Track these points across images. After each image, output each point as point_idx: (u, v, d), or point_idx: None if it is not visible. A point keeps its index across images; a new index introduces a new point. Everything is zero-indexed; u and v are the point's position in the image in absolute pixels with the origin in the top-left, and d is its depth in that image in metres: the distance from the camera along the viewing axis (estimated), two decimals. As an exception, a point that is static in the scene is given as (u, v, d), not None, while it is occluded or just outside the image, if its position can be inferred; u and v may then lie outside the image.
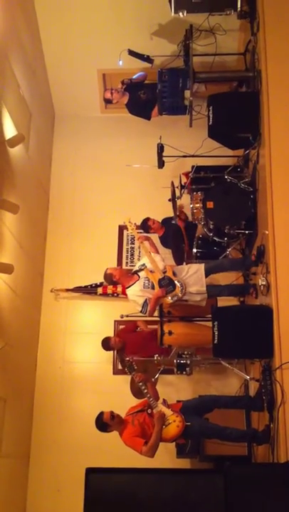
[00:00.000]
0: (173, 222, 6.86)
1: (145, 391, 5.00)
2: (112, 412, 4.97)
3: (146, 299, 5.70)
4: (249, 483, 3.82)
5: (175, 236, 6.66)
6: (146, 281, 5.73)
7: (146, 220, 6.86)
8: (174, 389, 6.60)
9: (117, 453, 5.08)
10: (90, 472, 3.91)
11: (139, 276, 5.81)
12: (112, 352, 7.25)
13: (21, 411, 6.81)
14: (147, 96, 7.03)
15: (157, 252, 5.99)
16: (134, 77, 7.18)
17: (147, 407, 5.04)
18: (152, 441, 4.76)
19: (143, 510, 3.76)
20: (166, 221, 7.05)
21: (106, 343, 6.58)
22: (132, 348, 6.57)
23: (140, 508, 3.77)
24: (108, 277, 5.92)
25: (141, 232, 6.46)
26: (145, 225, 6.85)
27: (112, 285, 6.99)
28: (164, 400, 5.14)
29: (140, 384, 5.02)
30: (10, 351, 6.09)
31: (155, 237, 6.87)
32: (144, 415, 4.99)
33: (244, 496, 3.73)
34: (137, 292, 5.77)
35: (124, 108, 7.31)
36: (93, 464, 4.00)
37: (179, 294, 5.62)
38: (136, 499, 3.81)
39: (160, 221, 7.05)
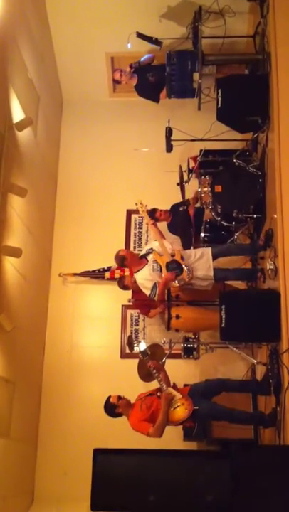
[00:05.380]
0: (180, 209, 6.83)
1: (156, 374, 5.01)
2: (119, 395, 5.00)
3: (155, 283, 5.71)
4: (255, 465, 3.83)
5: (183, 222, 6.64)
6: (155, 265, 5.73)
7: (153, 212, 6.80)
8: (181, 373, 6.60)
9: (124, 437, 5.09)
10: (98, 453, 3.94)
11: (147, 260, 5.81)
12: (119, 336, 7.29)
13: (30, 394, 6.86)
14: (156, 78, 6.97)
15: (164, 238, 5.99)
16: (141, 59, 7.11)
17: (157, 390, 5.06)
18: (159, 421, 4.79)
19: (150, 492, 3.78)
20: (174, 208, 7.03)
21: (121, 282, 6.41)
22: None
23: (147, 489, 3.79)
24: (120, 259, 5.90)
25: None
26: (153, 217, 6.75)
27: (120, 269, 7.01)
28: (173, 383, 5.16)
29: (154, 372, 5.03)
30: (18, 335, 6.12)
31: (163, 225, 6.87)
32: (153, 399, 5.00)
33: (250, 478, 3.74)
34: (146, 276, 5.77)
35: (133, 92, 7.26)
36: (101, 446, 4.03)
37: (186, 279, 5.62)
38: (143, 480, 3.83)
39: (169, 207, 7.04)
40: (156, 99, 7.18)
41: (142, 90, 7.17)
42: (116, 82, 7.30)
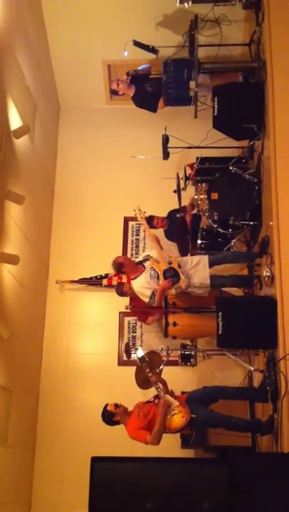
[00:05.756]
0: (178, 215, 6.85)
1: (154, 381, 5.00)
2: (116, 403, 4.99)
3: (153, 290, 5.72)
4: (252, 472, 3.82)
5: (180, 229, 6.66)
6: (153, 272, 5.73)
7: (151, 220, 6.81)
8: (178, 380, 6.60)
9: (121, 444, 5.08)
10: (96, 461, 3.93)
11: (144, 267, 5.81)
12: (116, 344, 7.29)
13: (27, 402, 6.84)
14: (153, 88, 6.97)
15: (161, 246, 6.02)
16: (139, 68, 7.15)
17: (154, 397, 5.06)
18: (156, 429, 4.77)
19: (148, 499, 3.76)
20: (171, 214, 7.04)
21: (119, 289, 6.43)
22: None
23: (145, 497, 3.78)
24: (118, 265, 5.89)
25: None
26: (151, 224, 6.76)
27: (118, 276, 7.00)
28: (171, 391, 5.16)
29: (156, 385, 5.01)
30: (15, 342, 6.12)
31: (160, 231, 6.90)
32: (151, 406, 4.99)
33: (247, 485, 3.74)
34: (143, 284, 5.78)
35: (130, 99, 7.29)
36: (98, 454, 4.02)
37: (183, 286, 5.63)
38: (141, 488, 3.82)
39: (166, 214, 7.05)
40: (154, 110, 7.19)
41: (140, 100, 7.18)
42: (113, 92, 7.30)
